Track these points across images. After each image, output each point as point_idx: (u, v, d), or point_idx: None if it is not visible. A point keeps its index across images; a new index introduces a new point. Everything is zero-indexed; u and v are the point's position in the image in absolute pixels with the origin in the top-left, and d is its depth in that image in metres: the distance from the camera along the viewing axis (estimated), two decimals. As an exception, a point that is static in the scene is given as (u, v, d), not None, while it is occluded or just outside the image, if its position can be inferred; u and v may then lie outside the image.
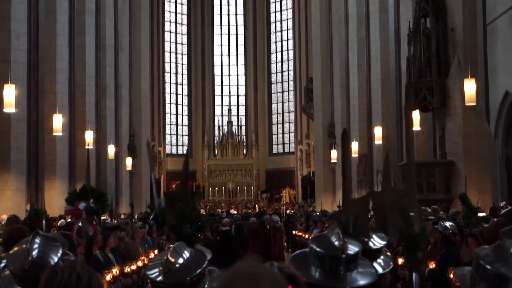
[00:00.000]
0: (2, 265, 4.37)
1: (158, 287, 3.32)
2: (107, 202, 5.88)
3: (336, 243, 3.48)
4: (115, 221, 16.47)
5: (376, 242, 4.07)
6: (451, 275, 8.82)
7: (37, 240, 3.79)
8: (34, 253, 3.69)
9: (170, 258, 3.34)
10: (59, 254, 3.75)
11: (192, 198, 3.78)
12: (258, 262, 2.20)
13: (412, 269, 4.29)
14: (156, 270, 3.35)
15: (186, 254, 3.39)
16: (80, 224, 5.63)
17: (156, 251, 14.18)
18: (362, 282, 3.46)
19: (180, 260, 3.34)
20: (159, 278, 3.30)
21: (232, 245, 24.51)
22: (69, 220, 15.14)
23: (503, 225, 6.47)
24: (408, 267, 4.37)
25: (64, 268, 2.88)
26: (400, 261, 9.49)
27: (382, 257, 4.11)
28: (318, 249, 3.47)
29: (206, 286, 3.38)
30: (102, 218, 11.72)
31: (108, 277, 9.24)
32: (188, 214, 3.71)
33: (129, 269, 10.84)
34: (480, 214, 13.41)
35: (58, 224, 14.82)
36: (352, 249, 3.50)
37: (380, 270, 3.93)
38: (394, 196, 4.05)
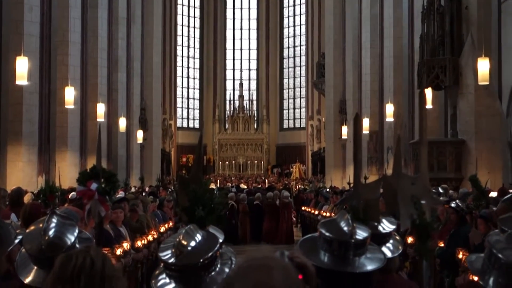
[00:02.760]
0: (17, 241, 4.41)
1: (170, 269, 3.37)
2: (118, 182, 5.93)
3: (345, 228, 3.52)
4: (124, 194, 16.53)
5: (386, 226, 4.10)
6: (460, 255, 8.87)
7: (54, 220, 3.82)
8: (51, 233, 3.73)
9: (182, 241, 3.38)
10: (75, 234, 3.79)
11: (205, 181, 3.82)
12: (269, 253, 2.26)
13: (422, 257, 4.33)
14: (169, 252, 3.40)
15: (198, 237, 3.43)
16: (89, 205, 5.68)
17: (166, 225, 14.31)
18: (370, 267, 3.51)
19: (192, 243, 3.38)
20: (171, 260, 3.35)
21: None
22: (73, 193, 15.28)
23: (508, 210, 6.48)
24: (419, 255, 4.40)
25: (78, 253, 2.92)
26: (410, 239, 9.52)
27: (391, 241, 4.14)
28: (327, 234, 3.51)
29: (217, 268, 3.43)
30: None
31: (119, 252, 9.31)
32: (201, 196, 3.75)
33: (140, 244, 10.92)
34: (491, 194, 13.42)
35: (70, 196, 14.94)
36: (361, 234, 3.54)
37: (389, 254, 3.97)
38: (406, 184, 4.07)
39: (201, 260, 3.32)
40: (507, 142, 20.62)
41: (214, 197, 3.87)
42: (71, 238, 3.75)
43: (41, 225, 3.80)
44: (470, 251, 8.60)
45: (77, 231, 3.83)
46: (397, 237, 4.26)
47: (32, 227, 3.90)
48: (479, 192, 10.59)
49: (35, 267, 3.71)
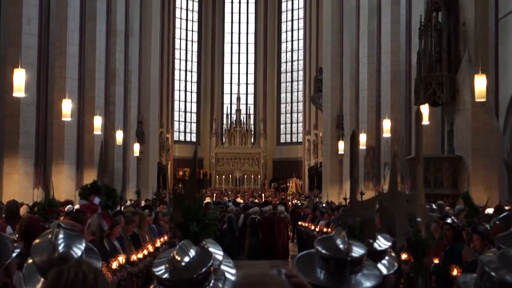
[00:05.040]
0: (15, 254, 4.42)
1: (164, 284, 3.36)
2: (118, 197, 5.97)
3: (341, 245, 3.51)
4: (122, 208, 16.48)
5: (381, 243, 4.10)
6: (454, 272, 8.85)
7: (61, 234, 3.86)
8: (61, 247, 3.76)
9: (176, 256, 3.38)
10: (83, 245, 3.82)
11: (199, 197, 3.82)
12: (267, 271, 2.26)
13: (418, 274, 4.32)
14: (162, 267, 3.40)
15: (192, 252, 3.44)
16: (91, 219, 5.73)
17: (162, 239, 14.25)
18: (366, 284, 3.50)
19: (186, 258, 3.39)
20: (165, 276, 3.35)
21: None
22: (77, 206, 15.27)
23: (504, 229, 6.46)
24: (415, 272, 4.39)
25: (70, 268, 2.93)
26: (404, 256, 9.51)
27: (386, 258, 4.13)
28: (323, 251, 3.51)
29: (211, 284, 3.42)
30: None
31: (114, 265, 9.28)
32: (195, 212, 3.74)
33: (135, 258, 10.89)
34: (488, 210, 13.42)
35: (65, 209, 14.92)
36: (357, 251, 3.53)
37: (384, 271, 3.96)
38: (402, 201, 4.07)
39: (195, 276, 3.32)
40: (503, 159, 20.62)
41: (208, 212, 3.86)
42: (80, 249, 3.79)
43: (49, 236, 3.83)
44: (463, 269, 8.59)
45: (84, 242, 3.86)
46: (393, 254, 4.25)
47: (39, 240, 3.91)
48: (471, 209, 10.59)
49: (42, 279, 3.73)
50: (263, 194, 47.42)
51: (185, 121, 58.69)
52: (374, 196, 4.60)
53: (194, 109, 59.57)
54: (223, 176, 55.33)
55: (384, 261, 4.08)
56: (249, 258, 23.65)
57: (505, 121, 21.32)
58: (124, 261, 9.78)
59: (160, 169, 44.72)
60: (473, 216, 10.32)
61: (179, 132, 57.20)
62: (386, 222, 4.23)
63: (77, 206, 15.15)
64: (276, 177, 57.29)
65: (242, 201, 37.11)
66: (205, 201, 4.16)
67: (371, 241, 4.01)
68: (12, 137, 21.91)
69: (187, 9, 59.19)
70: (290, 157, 56.73)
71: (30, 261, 3.87)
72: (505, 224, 7.42)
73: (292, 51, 60.03)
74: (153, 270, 3.45)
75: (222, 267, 3.61)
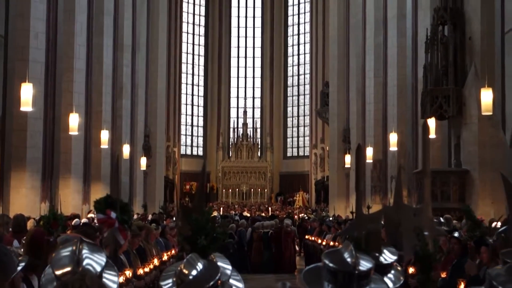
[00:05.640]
0: (20, 268, 4.42)
1: None
2: (132, 212, 6.01)
3: (349, 259, 3.51)
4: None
5: (387, 257, 4.09)
6: (461, 286, 8.83)
7: (85, 248, 3.83)
8: (85, 262, 3.73)
9: (183, 270, 3.38)
10: (104, 262, 3.80)
11: (207, 210, 3.83)
12: (272, 284, 2.27)
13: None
14: (170, 281, 3.40)
15: (200, 266, 3.43)
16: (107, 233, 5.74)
17: (169, 253, 14.24)
18: (374, 298, 3.49)
19: (194, 272, 3.38)
20: (172, 290, 3.35)
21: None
22: (84, 220, 15.30)
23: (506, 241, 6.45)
24: (422, 286, 4.38)
25: (74, 281, 2.92)
26: (411, 270, 9.49)
27: (392, 271, 4.12)
28: (330, 265, 3.50)
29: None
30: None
31: (121, 279, 9.28)
32: (204, 225, 3.75)
33: (142, 272, 10.88)
34: (497, 224, 13.41)
35: (73, 223, 14.92)
36: (365, 265, 3.52)
37: (390, 285, 3.95)
38: (409, 214, 4.07)
39: (202, 290, 3.32)
40: (511, 172, 20.57)
41: (216, 226, 3.87)
42: (102, 264, 3.77)
43: (73, 248, 3.80)
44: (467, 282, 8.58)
45: (104, 255, 3.84)
46: (399, 268, 4.24)
47: (60, 252, 3.89)
48: (473, 222, 10.56)
49: None
50: (269, 208, 47.36)
51: (192, 135, 58.77)
52: (380, 209, 4.60)
53: (201, 123, 59.66)
54: (230, 190, 55.33)
55: (390, 275, 4.07)
56: (255, 272, 23.56)
57: (512, 134, 21.30)
58: (130, 275, 9.78)
59: (167, 183, 44.75)
60: (475, 229, 10.28)
61: (185, 146, 57.26)
62: (391, 235, 4.23)
63: (84, 220, 15.17)
64: (282, 190, 57.24)
65: (248, 215, 37.05)
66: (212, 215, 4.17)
67: (377, 254, 4.00)
68: (19, 151, 21.96)
69: (193, 23, 59.39)
70: (296, 171, 56.71)
71: (48, 270, 3.85)
72: (505, 239, 7.40)
73: (298, 65, 60.14)
74: (160, 283, 3.45)
75: (231, 281, 3.60)
